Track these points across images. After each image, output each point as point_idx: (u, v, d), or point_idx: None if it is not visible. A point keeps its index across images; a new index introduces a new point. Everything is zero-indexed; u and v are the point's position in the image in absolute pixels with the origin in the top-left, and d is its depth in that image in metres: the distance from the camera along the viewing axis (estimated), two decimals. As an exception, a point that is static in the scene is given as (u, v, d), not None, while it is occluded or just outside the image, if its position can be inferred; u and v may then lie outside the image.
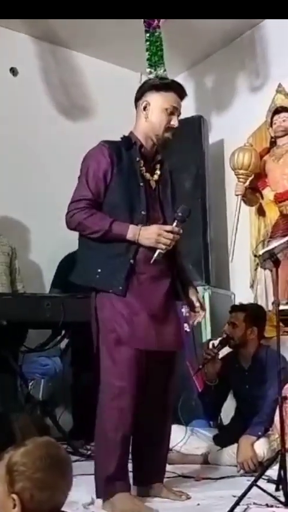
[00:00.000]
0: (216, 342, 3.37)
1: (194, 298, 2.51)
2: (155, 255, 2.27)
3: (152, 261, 2.27)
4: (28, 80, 4.78)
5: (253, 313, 3.35)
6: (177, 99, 2.40)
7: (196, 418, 3.60)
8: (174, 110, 2.39)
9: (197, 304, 2.50)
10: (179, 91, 2.42)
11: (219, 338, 3.36)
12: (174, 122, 2.39)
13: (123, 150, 2.37)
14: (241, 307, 3.41)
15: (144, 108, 2.39)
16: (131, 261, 2.28)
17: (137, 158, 2.37)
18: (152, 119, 2.38)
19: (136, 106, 2.45)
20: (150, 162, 2.43)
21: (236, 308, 3.42)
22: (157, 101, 2.38)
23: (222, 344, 3.27)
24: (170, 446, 2.68)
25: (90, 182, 2.32)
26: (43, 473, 1.21)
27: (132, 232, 2.27)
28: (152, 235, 2.26)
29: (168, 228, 2.29)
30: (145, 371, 2.29)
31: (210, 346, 3.34)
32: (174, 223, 2.31)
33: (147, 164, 2.41)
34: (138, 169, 2.37)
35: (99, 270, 2.28)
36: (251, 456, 2.84)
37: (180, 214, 2.32)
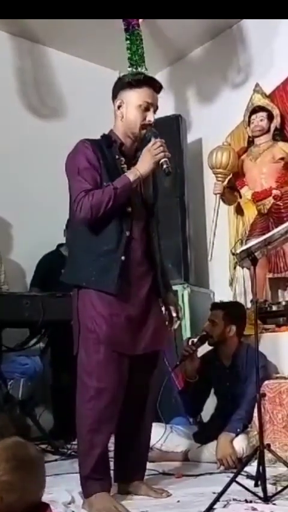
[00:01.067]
0: (195, 339, 3.39)
1: (172, 308, 2.50)
2: (164, 166, 2.26)
3: (167, 173, 2.26)
4: (3, 78, 4.74)
5: (232, 311, 3.36)
6: (152, 94, 2.36)
7: (176, 416, 3.62)
8: (149, 106, 2.34)
9: (174, 314, 2.49)
10: (153, 85, 2.37)
11: (199, 336, 3.38)
12: (150, 118, 2.35)
13: (104, 148, 2.36)
14: (220, 305, 3.43)
15: (119, 107, 2.38)
16: (122, 257, 2.26)
17: (117, 156, 2.36)
18: (127, 117, 2.36)
19: (114, 105, 2.43)
20: (131, 160, 2.41)
21: (216, 306, 3.44)
22: (130, 98, 2.35)
23: (201, 341, 3.29)
24: (151, 444, 2.69)
25: (86, 176, 2.28)
26: (10, 475, 1.21)
27: (132, 174, 2.27)
28: (146, 159, 2.27)
29: (151, 143, 2.29)
30: (127, 371, 2.29)
31: (190, 343, 3.35)
32: (153, 139, 2.30)
33: (128, 162, 2.39)
34: (119, 166, 2.35)
35: (90, 269, 2.27)
36: (230, 453, 2.86)
37: (149, 133, 2.32)
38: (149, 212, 2.41)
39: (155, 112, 2.38)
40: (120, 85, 2.40)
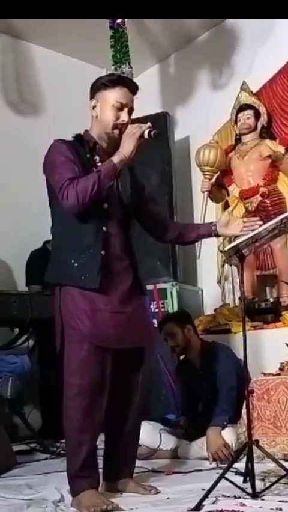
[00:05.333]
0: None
1: (224, 220, 2.51)
2: (147, 132, 2.26)
3: (155, 135, 2.28)
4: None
5: (179, 316, 3.53)
6: (126, 94, 2.36)
7: (166, 413, 3.62)
8: (123, 106, 2.35)
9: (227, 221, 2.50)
10: (128, 86, 2.38)
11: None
12: (124, 117, 2.34)
13: (77, 146, 2.37)
14: (166, 319, 3.54)
15: (94, 107, 2.39)
16: (102, 252, 2.27)
17: (88, 156, 2.36)
18: (101, 117, 2.36)
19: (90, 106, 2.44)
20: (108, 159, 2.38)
21: (164, 321, 3.51)
22: (104, 98, 2.35)
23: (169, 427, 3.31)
24: (140, 441, 2.69)
25: (65, 168, 2.27)
26: None
27: (115, 156, 2.27)
28: (125, 140, 2.26)
29: (127, 129, 2.30)
30: (112, 368, 2.29)
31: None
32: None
33: (104, 161, 2.35)
34: (93, 164, 2.35)
35: (71, 266, 2.27)
36: (222, 444, 2.88)
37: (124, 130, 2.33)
38: (124, 209, 2.42)
39: (130, 112, 2.38)
40: (96, 86, 2.41)
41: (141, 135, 2.28)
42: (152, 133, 2.29)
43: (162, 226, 2.63)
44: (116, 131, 2.35)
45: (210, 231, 2.55)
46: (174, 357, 3.79)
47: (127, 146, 2.27)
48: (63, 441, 2.38)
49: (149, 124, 2.32)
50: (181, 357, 3.54)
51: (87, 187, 2.22)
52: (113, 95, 2.34)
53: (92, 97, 2.41)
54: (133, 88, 2.39)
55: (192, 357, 3.39)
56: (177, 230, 2.63)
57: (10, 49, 4.89)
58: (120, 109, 2.35)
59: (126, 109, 2.36)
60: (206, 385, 3.26)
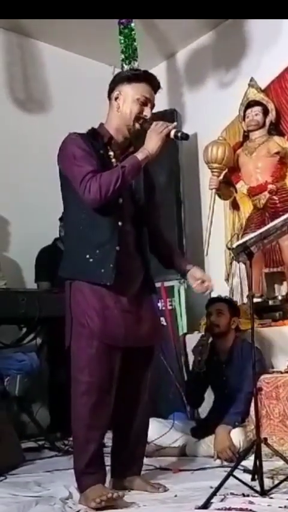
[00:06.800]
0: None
1: (198, 275, 2.44)
2: (173, 133, 2.26)
3: (183, 137, 2.29)
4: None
5: (234, 306, 3.49)
6: (150, 90, 2.37)
7: (174, 411, 3.62)
8: (147, 101, 2.35)
9: (199, 278, 2.43)
10: (152, 82, 2.38)
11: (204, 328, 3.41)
12: (147, 112, 2.35)
13: (92, 140, 2.36)
14: (223, 299, 3.52)
15: (116, 99, 2.37)
16: (117, 247, 2.26)
17: (101, 151, 2.35)
18: (123, 109, 2.36)
19: (109, 99, 2.43)
20: (120, 155, 2.39)
21: (219, 299, 3.51)
22: (128, 91, 2.35)
23: (208, 331, 3.32)
24: (148, 439, 2.69)
25: (85, 161, 2.25)
26: None
27: (140, 153, 2.26)
28: (152, 137, 2.26)
29: (153, 125, 2.29)
30: (120, 365, 2.29)
31: (201, 337, 3.36)
32: (154, 123, 2.31)
33: (117, 156, 2.37)
34: (107, 159, 2.34)
35: (86, 262, 2.26)
36: (229, 445, 2.88)
37: (146, 125, 2.33)
38: (136, 206, 2.41)
39: (152, 108, 2.38)
40: (119, 79, 2.40)
41: (168, 134, 2.27)
42: (179, 134, 2.28)
43: (157, 235, 2.55)
44: (137, 125, 2.35)
45: (183, 270, 2.51)
46: (180, 357, 3.80)
47: (153, 144, 2.26)
48: (72, 438, 2.38)
49: (175, 123, 2.33)
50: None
51: (110, 181, 2.20)
52: (138, 90, 2.34)
53: (112, 88, 2.40)
54: (156, 85, 2.40)
55: (220, 348, 3.35)
56: (166, 248, 2.59)
57: (17, 47, 4.88)
58: (144, 103, 2.35)
59: (149, 104, 2.36)
60: (226, 379, 3.25)
